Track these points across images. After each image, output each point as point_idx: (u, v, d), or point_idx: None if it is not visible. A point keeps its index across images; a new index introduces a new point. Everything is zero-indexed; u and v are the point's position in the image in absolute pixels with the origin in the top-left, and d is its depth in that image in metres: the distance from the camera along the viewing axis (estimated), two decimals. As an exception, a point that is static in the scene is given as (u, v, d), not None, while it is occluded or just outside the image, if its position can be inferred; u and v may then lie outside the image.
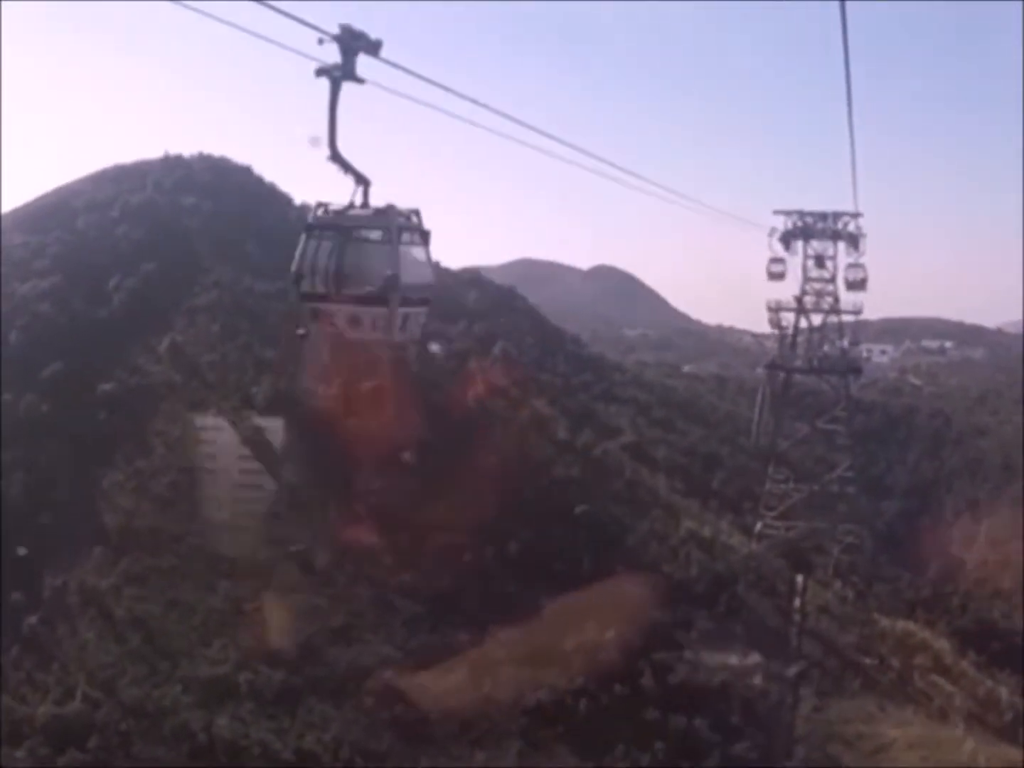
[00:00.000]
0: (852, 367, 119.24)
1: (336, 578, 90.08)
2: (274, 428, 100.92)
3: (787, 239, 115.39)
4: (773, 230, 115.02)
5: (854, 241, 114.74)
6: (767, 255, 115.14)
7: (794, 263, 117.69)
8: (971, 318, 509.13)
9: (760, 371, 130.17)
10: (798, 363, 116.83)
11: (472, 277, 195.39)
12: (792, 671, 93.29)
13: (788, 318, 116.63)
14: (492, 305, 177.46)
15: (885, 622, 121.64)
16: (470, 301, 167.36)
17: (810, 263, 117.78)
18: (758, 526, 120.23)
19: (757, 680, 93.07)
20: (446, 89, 26.00)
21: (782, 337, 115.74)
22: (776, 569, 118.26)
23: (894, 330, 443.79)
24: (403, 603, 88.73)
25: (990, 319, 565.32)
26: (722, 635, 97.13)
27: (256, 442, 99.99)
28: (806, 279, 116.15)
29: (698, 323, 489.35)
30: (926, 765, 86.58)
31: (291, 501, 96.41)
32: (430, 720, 77.40)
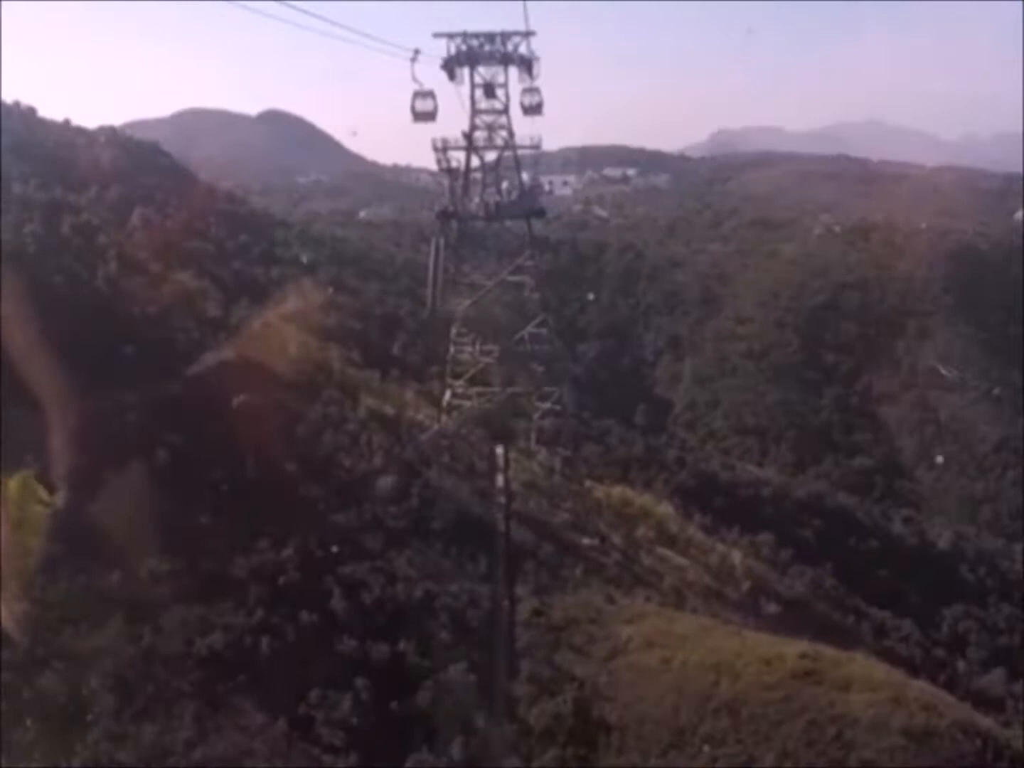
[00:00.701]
0: (534, 210, 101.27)
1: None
2: None
3: (450, 66, 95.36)
4: (416, 54, 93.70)
5: (527, 65, 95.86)
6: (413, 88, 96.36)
7: (461, 94, 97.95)
8: (653, 144, 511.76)
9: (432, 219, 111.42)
10: (473, 209, 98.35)
11: (109, 136, 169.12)
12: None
13: (459, 158, 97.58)
14: (133, 166, 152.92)
15: (600, 490, 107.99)
16: (105, 163, 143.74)
17: (479, 93, 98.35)
18: (446, 397, 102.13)
19: (464, 586, 77.11)
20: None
21: (453, 181, 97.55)
22: (473, 443, 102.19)
23: (575, 160, 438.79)
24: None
25: (671, 144, 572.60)
26: (418, 536, 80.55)
27: None
28: (475, 112, 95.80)
29: (373, 164, 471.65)
30: (669, 669, 72.43)
31: None
32: (81, 697, 58.09)
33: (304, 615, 66.04)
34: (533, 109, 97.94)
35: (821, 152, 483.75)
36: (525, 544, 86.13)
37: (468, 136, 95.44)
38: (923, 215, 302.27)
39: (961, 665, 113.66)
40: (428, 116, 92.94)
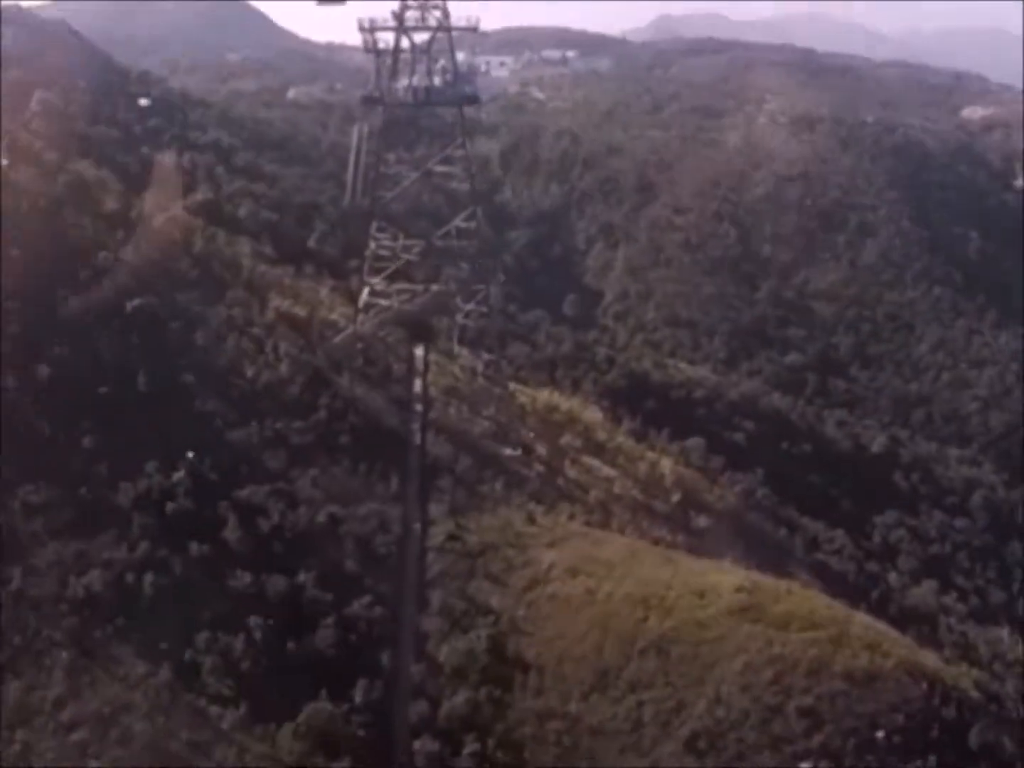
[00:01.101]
0: (467, 96, 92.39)
1: None
2: None
3: None
4: None
5: None
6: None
7: None
8: (595, 27, 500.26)
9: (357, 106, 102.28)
10: (401, 94, 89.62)
11: (13, 14, 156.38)
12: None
13: (388, 39, 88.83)
14: (35, 47, 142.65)
15: (525, 395, 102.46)
16: (5, 45, 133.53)
17: None
18: (363, 295, 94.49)
19: (373, 508, 71.50)
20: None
21: (380, 63, 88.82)
22: (390, 345, 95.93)
23: (513, 41, 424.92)
24: None
25: (613, 28, 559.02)
26: (324, 452, 74.68)
27: None
28: None
29: (306, 42, 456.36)
30: (594, 601, 67.80)
31: None
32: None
33: (194, 546, 60.56)
34: None
35: (765, 41, 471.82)
36: (442, 458, 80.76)
37: (399, 16, 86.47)
38: (869, 109, 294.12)
39: (893, 577, 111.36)
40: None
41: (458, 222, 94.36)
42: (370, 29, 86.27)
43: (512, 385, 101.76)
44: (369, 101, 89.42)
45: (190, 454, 66.17)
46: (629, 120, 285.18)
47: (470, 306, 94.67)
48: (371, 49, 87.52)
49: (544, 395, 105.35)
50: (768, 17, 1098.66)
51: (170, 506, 62.14)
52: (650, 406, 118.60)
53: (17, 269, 72.44)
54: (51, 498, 60.11)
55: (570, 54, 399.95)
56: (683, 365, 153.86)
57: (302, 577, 61.92)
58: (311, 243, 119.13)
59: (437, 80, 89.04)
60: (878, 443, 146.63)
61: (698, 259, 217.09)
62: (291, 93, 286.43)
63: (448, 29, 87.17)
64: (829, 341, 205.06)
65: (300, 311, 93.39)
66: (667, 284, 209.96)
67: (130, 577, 57.63)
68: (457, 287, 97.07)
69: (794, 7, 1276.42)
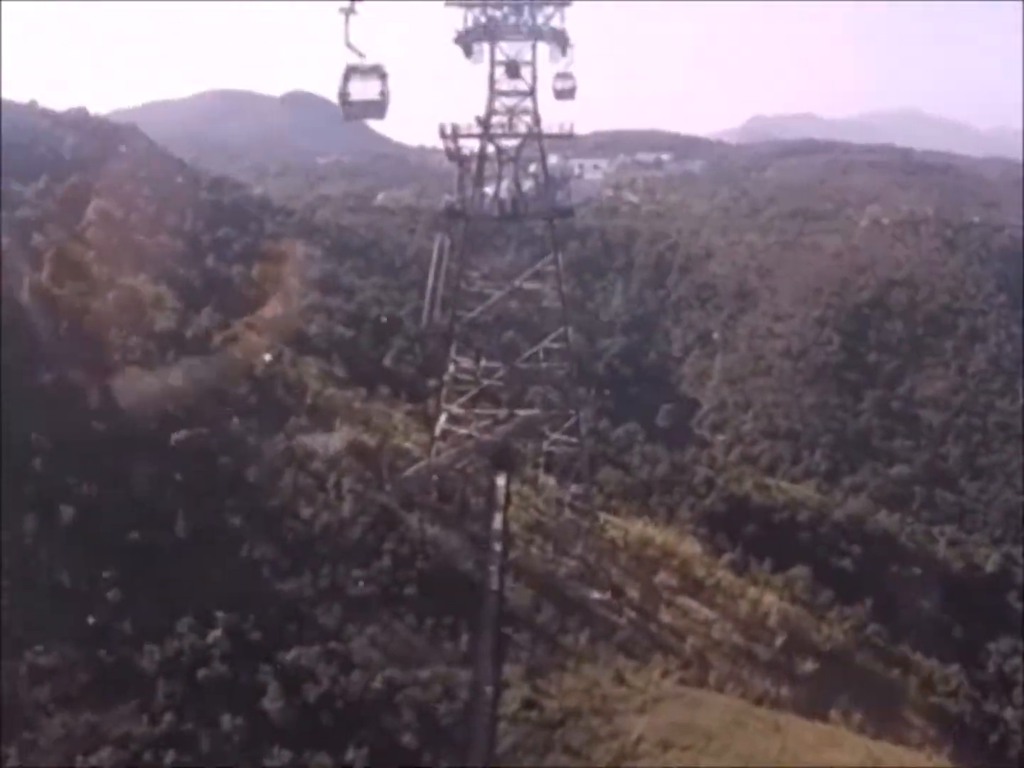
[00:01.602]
0: (558, 209, 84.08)
1: None
2: None
3: (466, 41, 78.85)
4: (351, 6, 70.65)
5: (560, 41, 79.76)
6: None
7: (478, 72, 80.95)
8: (688, 129, 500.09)
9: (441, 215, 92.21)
10: (486, 207, 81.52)
11: (77, 117, 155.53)
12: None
13: (473, 146, 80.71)
14: (98, 152, 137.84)
15: (616, 527, 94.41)
16: (66, 150, 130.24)
17: (499, 72, 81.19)
18: (440, 422, 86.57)
19: (438, 671, 63.29)
20: None
21: (463, 172, 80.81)
22: (470, 475, 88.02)
23: (606, 144, 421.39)
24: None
25: (706, 130, 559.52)
26: (386, 605, 66.80)
27: None
28: (494, 93, 78.16)
29: (399, 146, 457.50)
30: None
31: None
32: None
33: (226, 719, 52.80)
34: (565, 94, 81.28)
35: (858, 141, 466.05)
36: (521, 607, 72.74)
37: (484, 122, 78.32)
38: (972, 209, 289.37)
39: (1009, 713, 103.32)
40: (370, 110, 73.10)
41: (547, 343, 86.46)
42: (452, 135, 78.64)
43: (603, 516, 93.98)
44: (451, 214, 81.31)
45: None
46: (726, 223, 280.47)
47: (556, 435, 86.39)
48: (454, 157, 79.92)
49: (638, 527, 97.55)
50: (859, 116, 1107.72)
51: (202, 672, 54.40)
52: (751, 531, 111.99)
53: (48, 395, 66.31)
54: (63, 661, 52.79)
55: (664, 157, 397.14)
56: (785, 484, 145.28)
57: (351, 754, 53.78)
58: (387, 362, 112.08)
59: (527, 185, 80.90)
60: (992, 562, 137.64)
61: (799, 367, 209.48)
62: (380, 198, 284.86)
63: (539, 136, 79.44)
64: (937, 451, 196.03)
65: (370, 439, 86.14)
66: (766, 393, 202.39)
67: (148, 756, 49.87)
68: (544, 413, 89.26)
69: (884, 105, 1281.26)
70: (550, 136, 79.05)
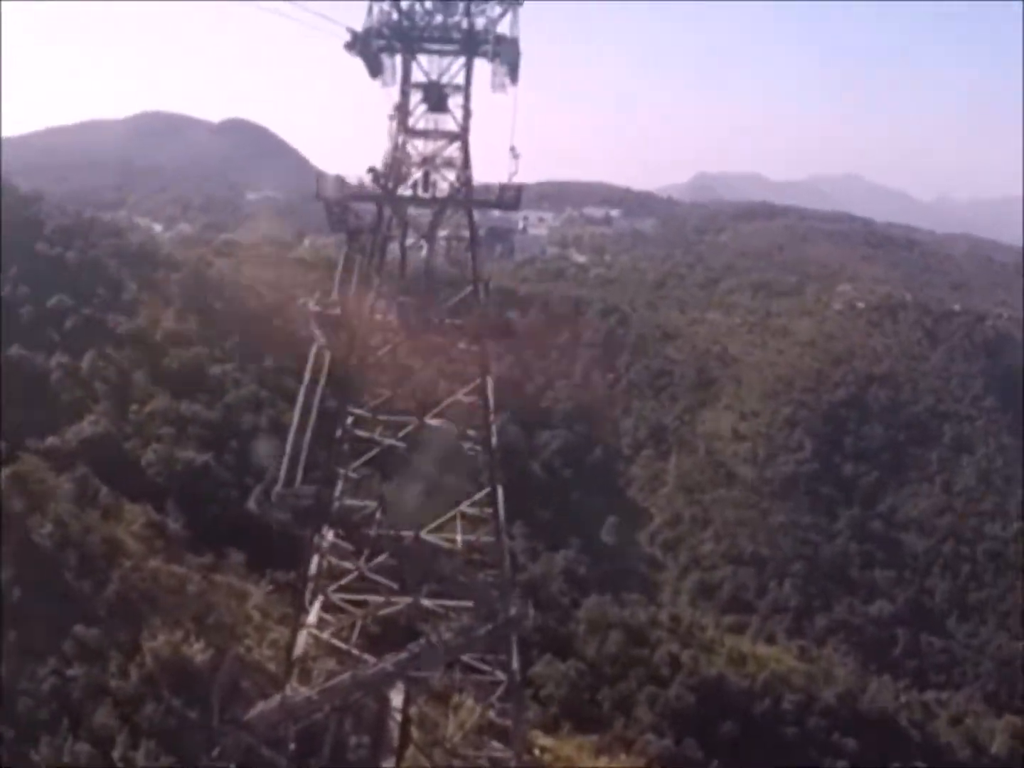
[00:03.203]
0: (492, 327, 50.29)
1: None
2: None
3: (368, 52, 46.96)
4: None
5: (510, 57, 47.65)
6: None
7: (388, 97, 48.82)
8: (634, 182, 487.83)
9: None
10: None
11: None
12: None
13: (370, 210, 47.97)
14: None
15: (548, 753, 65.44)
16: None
17: (416, 99, 48.69)
18: (312, 611, 52.30)
19: None
20: None
21: (349, 255, 48.10)
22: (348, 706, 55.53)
23: (552, 195, 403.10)
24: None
25: (654, 183, 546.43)
26: None
27: None
28: (405, 133, 47.15)
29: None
30: None
31: None
32: None
33: None
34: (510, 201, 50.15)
35: (804, 204, 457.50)
36: None
37: (381, 177, 47.31)
38: (941, 290, 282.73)
39: None
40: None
41: (465, 507, 54.92)
42: (336, 201, 47.56)
43: (538, 745, 66.32)
44: (323, 321, 50.34)
45: None
46: (682, 294, 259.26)
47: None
48: (338, 227, 48.54)
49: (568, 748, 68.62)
50: (805, 179, 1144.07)
51: None
52: (728, 731, 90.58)
53: None
54: None
55: (613, 212, 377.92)
56: (761, 651, 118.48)
57: None
58: (250, 504, 79.21)
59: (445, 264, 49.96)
60: (1000, 743, 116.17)
61: (766, 476, 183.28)
62: (306, 243, 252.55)
63: (468, 203, 48.82)
64: (922, 584, 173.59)
65: (198, 652, 54.11)
66: (727, 508, 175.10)
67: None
68: (464, 623, 57.30)
69: (827, 169, 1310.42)
70: (484, 203, 48.51)
